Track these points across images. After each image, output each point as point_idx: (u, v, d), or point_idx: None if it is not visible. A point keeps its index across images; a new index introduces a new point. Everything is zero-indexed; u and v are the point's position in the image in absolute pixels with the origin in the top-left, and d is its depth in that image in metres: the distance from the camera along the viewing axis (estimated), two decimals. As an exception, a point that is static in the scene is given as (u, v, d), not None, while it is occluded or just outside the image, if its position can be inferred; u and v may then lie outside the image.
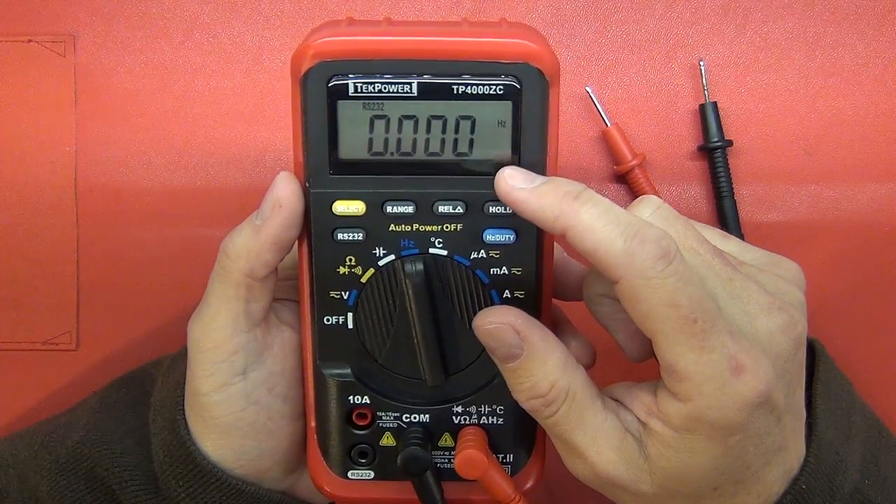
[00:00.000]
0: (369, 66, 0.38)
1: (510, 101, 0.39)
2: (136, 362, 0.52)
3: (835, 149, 0.56)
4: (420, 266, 0.41)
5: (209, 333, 0.42)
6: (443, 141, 0.39)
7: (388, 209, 0.40)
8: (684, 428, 0.37)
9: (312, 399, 0.44)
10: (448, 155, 0.40)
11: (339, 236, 0.41)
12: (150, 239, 0.57)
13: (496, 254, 0.41)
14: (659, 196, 0.44)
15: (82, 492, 0.47)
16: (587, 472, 0.40)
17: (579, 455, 0.40)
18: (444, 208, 0.40)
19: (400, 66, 0.38)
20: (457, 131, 0.39)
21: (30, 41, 0.56)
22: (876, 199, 0.56)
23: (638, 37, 0.56)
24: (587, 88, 0.55)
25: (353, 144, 0.40)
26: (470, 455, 0.42)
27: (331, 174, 0.40)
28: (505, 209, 0.40)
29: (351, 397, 0.43)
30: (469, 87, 0.38)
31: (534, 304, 0.42)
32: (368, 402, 0.43)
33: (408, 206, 0.40)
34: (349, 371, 0.43)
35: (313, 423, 0.44)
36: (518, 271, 0.41)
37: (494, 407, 0.43)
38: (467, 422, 0.43)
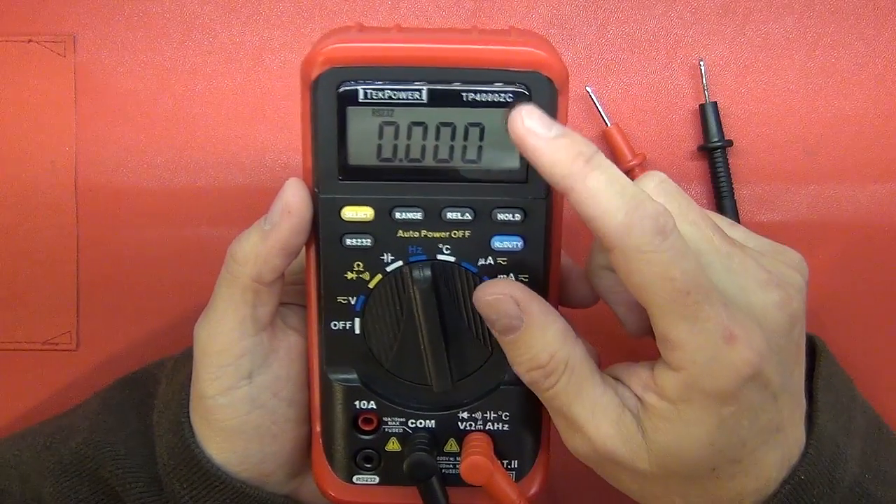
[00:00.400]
0: (379, 72, 0.38)
1: None
2: (137, 362, 0.52)
3: (835, 149, 0.56)
4: (428, 272, 0.41)
5: (215, 337, 0.42)
6: (451, 148, 0.39)
7: (397, 215, 0.40)
8: (679, 398, 0.38)
9: (318, 403, 0.44)
10: (457, 162, 0.40)
11: (348, 242, 0.41)
12: (150, 239, 0.57)
13: (504, 261, 0.41)
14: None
15: (86, 493, 0.47)
16: (586, 447, 0.40)
17: (578, 429, 0.40)
18: (452, 215, 0.40)
19: (410, 73, 0.38)
20: (466, 138, 0.39)
21: (30, 41, 0.56)
22: (876, 199, 0.56)
23: (638, 37, 0.56)
24: (587, 88, 0.55)
25: (362, 150, 0.39)
26: (475, 461, 0.42)
27: (339, 180, 0.40)
28: (513, 216, 0.40)
29: (357, 402, 0.43)
30: (478, 95, 0.38)
31: None
32: (374, 407, 0.43)
33: (416, 212, 0.40)
34: (355, 376, 0.43)
35: (318, 428, 0.44)
36: (525, 278, 0.41)
37: (500, 413, 0.43)
38: (473, 428, 0.44)
